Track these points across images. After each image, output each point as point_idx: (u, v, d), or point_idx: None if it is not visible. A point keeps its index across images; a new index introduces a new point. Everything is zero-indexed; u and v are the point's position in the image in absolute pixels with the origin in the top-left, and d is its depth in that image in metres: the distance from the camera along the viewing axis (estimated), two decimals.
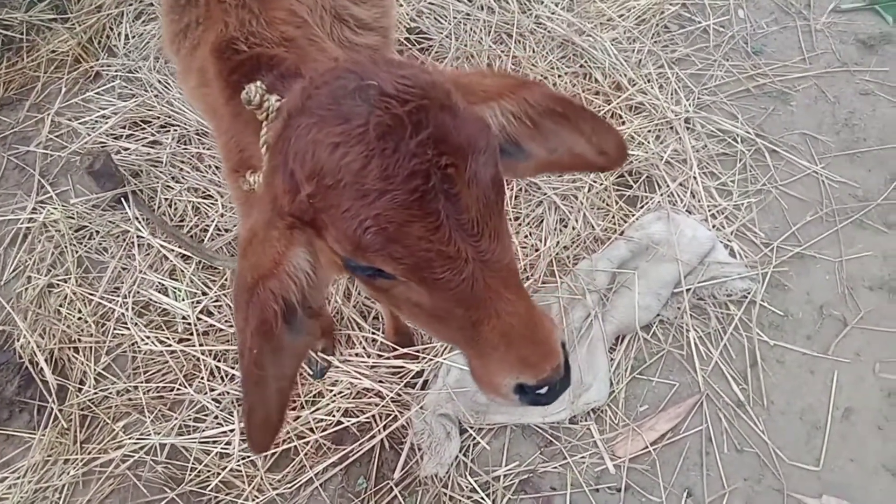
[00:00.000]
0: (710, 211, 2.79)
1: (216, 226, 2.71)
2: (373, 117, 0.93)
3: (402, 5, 3.36)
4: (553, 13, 3.38)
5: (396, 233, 0.94)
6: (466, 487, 2.23)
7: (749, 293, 2.57)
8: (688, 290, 2.57)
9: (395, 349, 2.41)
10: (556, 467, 2.28)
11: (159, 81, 3.12)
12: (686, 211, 2.79)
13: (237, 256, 1.13)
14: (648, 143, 2.97)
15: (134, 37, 3.32)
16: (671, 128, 3.03)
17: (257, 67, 1.39)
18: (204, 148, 2.90)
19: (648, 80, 3.17)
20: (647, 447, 2.30)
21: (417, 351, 2.42)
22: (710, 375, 2.44)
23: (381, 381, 2.37)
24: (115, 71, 3.20)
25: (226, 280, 2.56)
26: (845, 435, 2.32)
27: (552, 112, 1.19)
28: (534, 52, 3.25)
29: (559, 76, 3.17)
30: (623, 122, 3.04)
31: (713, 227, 2.74)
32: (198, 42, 1.58)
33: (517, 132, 1.20)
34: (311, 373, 2.39)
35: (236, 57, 1.41)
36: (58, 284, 2.61)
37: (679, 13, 3.44)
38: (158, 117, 3.01)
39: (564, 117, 1.21)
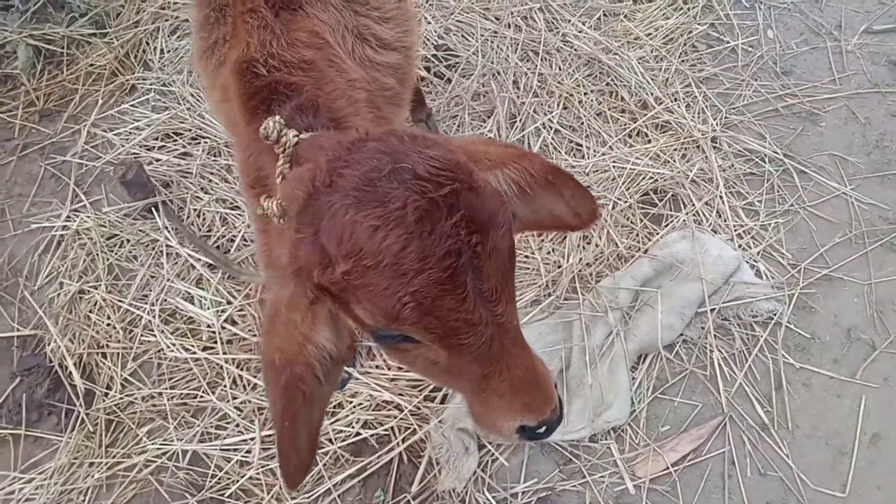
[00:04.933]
0: (736, 231, 2.77)
1: (243, 236, 2.75)
2: (410, 201, 0.99)
3: (429, 23, 3.41)
4: (580, 31, 3.40)
5: (431, 306, 1.01)
6: (484, 503, 2.22)
7: (775, 314, 2.54)
8: (712, 310, 2.54)
9: None
10: (574, 486, 2.26)
11: (192, 95, 3.20)
12: (711, 230, 2.77)
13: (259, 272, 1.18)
14: (674, 161, 2.96)
15: (169, 51, 3.42)
16: (697, 146, 3.02)
17: (274, 95, 1.43)
18: (232, 160, 2.96)
19: (675, 99, 3.16)
20: (668, 468, 2.27)
21: None
22: (733, 397, 2.40)
23: (400, 394, 2.37)
24: (150, 84, 3.29)
25: (250, 290, 2.60)
26: (872, 461, 2.27)
27: (546, 180, 1.29)
28: (560, 69, 3.27)
29: (585, 94, 3.19)
30: (649, 141, 3.04)
31: (739, 246, 2.72)
32: (223, 59, 1.63)
33: (515, 198, 1.29)
34: None
35: (255, 81, 1.45)
36: (88, 291, 2.67)
37: (707, 33, 3.43)
38: (190, 129, 3.08)
39: (553, 184, 1.30)
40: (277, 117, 1.29)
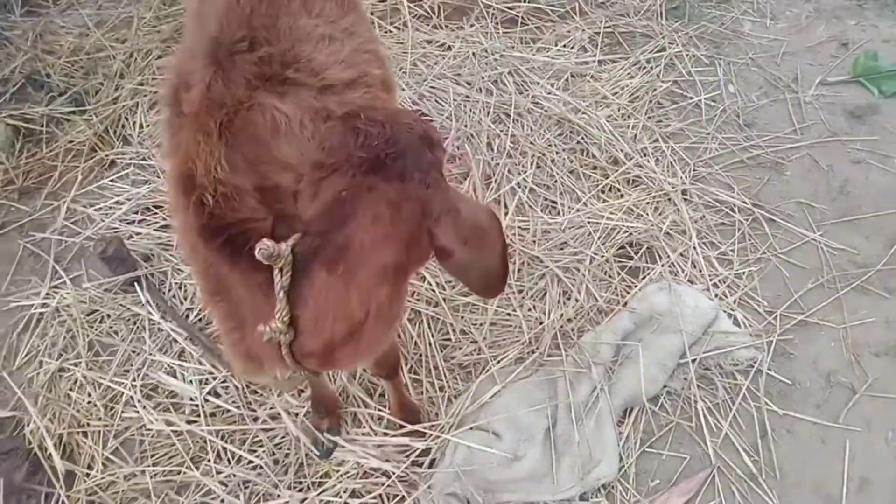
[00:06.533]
0: (711, 280, 2.83)
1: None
2: None
3: (403, 90, 3.51)
4: (549, 93, 3.52)
5: None
6: None
7: (755, 362, 2.57)
8: (693, 361, 2.57)
9: (403, 426, 2.41)
10: None
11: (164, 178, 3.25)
12: (688, 281, 2.82)
13: None
14: (647, 214, 3.04)
15: (148, 126, 3.47)
16: (669, 199, 3.10)
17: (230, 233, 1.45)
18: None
19: (644, 154, 3.27)
20: None
21: (424, 428, 2.41)
22: (720, 447, 2.41)
23: (387, 460, 2.35)
24: (130, 159, 3.33)
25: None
26: None
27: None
28: (531, 130, 3.37)
29: (557, 152, 3.28)
30: (622, 195, 3.12)
31: (716, 296, 2.77)
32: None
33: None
34: (318, 453, 2.38)
35: (203, 210, 1.47)
36: (68, 368, 2.64)
37: (671, 90, 3.57)
38: (169, 203, 3.11)
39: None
40: (268, 242, 1.30)
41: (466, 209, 1.40)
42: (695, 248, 2.92)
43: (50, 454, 2.42)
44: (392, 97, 2.03)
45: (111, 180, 3.24)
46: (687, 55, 3.69)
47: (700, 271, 2.85)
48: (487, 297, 1.49)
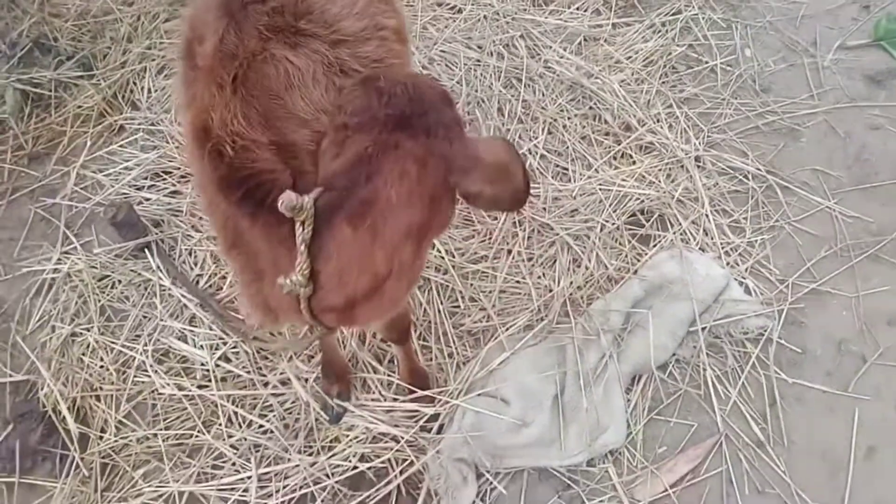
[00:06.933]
0: (723, 248, 2.80)
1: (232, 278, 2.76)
2: None
3: (413, 54, 3.45)
4: (561, 57, 3.45)
5: None
6: None
7: (766, 331, 2.56)
8: (703, 329, 2.56)
9: (412, 391, 2.42)
10: None
11: (180, 133, 3.22)
12: (699, 249, 2.80)
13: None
14: (660, 182, 3.00)
15: (156, 91, 3.45)
16: (682, 166, 3.06)
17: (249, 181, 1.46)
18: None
19: (658, 120, 3.21)
20: (666, 490, 2.27)
21: (433, 394, 2.42)
22: (728, 415, 2.41)
23: (396, 425, 2.37)
24: (138, 124, 3.31)
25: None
26: (869, 474, 2.28)
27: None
28: (543, 95, 3.32)
29: (569, 118, 3.23)
30: (634, 162, 3.08)
31: (727, 264, 2.74)
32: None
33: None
34: (328, 418, 2.40)
35: (222, 163, 1.48)
36: (81, 333, 2.66)
37: (686, 54, 3.49)
38: (179, 168, 3.10)
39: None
40: (291, 194, 1.30)
41: (487, 153, 1.41)
42: (707, 215, 2.88)
43: (64, 417, 2.46)
44: (405, 48, 2.00)
45: (120, 146, 3.24)
46: (703, 18, 3.60)
47: (712, 239, 2.83)
48: (516, 209, 1.55)
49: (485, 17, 3.62)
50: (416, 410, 2.40)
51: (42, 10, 3.74)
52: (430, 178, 1.34)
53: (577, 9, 3.70)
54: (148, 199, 3.01)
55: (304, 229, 1.34)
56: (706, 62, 3.45)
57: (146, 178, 3.10)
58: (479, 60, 3.46)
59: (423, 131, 1.33)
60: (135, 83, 3.49)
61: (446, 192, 1.40)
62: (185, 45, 1.75)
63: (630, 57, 3.48)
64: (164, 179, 3.09)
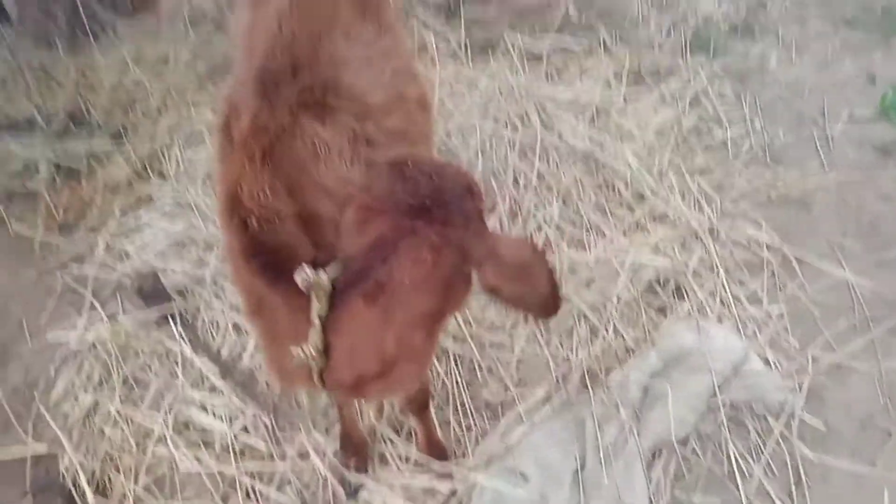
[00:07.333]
0: (741, 319, 2.80)
1: (255, 345, 2.80)
2: None
3: (437, 120, 3.56)
4: (574, 128, 3.55)
5: None
6: None
7: (787, 405, 2.53)
8: (723, 402, 2.54)
9: (430, 460, 2.41)
10: None
11: (205, 203, 3.32)
12: (717, 319, 2.80)
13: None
14: (675, 252, 3.03)
15: (184, 162, 3.57)
16: (696, 237, 3.09)
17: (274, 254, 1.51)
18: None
19: (671, 191, 3.27)
20: None
21: (451, 467, 2.40)
22: (754, 494, 2.36)
23: (413, 499, 2.35)
24: (166, 194, 3.42)
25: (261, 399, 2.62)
26: None
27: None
28: (557, 166, 3.40)
29: (583, 188, 3.30)
30: (648, 232, 3.12)
31: (745, 335, 2.74)
32: None
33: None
34: (345, 493, 2.39)
35: (246, 231, 1.53)
36: (103, 403, 2.69)
37: (696, 126, 3.58)
38: (204, 238, 3.18)
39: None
40: (307, 269, 1.35)
41: (506, 251, 1.44)
42: (723, 285, 2.90)
43: (83, 491, 2.46)
44: (428, 116, 2.07)
45: (148, 216, 3.33)
46: (712, 90, 3.70)
47: (728, 309, 2.83)
48: (544, 318, 1.57)
49: (500, 90, 3.74)
50: (431, 487, 2.38)
51: (77, 85, 3.93)
52: (445, 266, 1.37)
53: (589, 78, 3.82)
54: (173, 269, 3.08)
55: (318, 303, 1.38)
56: (716, 134, 3.53)
57: (172, 248, 3.18)
58: (494, 132, 3.56)
59: (442, 220, 1.36)
60: (163, 154, 3.62)
61: (461, 281, 1.43)
62: (223, 119, 1.85)
63: (641, 128, 3.57)
64: (189, 249, 3.17)
